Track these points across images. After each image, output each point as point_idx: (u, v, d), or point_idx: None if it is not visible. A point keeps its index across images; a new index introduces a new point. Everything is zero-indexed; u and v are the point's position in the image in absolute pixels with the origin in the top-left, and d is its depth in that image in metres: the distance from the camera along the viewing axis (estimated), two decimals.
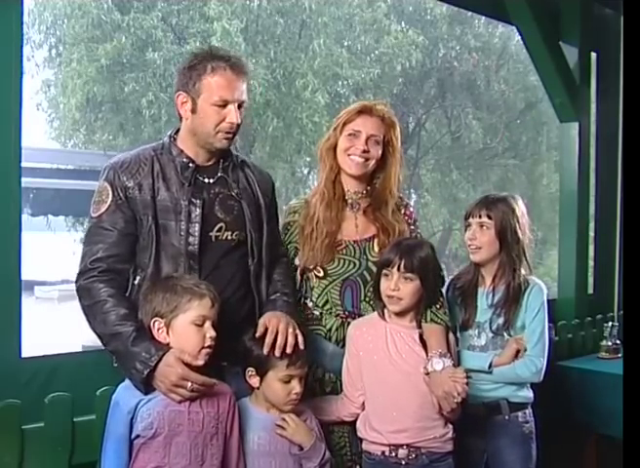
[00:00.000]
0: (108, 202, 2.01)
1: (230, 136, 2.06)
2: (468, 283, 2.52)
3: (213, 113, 2.02)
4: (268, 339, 1.98)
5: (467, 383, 2.10)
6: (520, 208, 2.49)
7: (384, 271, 2.19)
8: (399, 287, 2.16)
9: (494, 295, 2.47)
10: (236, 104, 2.03)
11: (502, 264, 2.46)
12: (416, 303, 2.19)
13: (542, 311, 2.47)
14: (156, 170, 2.05)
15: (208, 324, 1.88)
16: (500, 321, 2.44)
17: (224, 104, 2.02)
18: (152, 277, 2.00)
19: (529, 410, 2.50)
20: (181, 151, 2.08)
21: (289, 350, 1.98)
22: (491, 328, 2.45)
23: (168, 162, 2.07)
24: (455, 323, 2.46)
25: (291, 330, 2.01)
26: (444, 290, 2.52)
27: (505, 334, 2.46)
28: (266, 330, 2.01)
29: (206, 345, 1.88)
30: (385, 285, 2.18)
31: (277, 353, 1.97)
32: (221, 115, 2.02)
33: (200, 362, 1.88)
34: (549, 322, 3.39)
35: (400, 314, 2.20)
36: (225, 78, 2.01)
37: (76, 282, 2.01)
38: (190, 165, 2.07)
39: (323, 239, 2.29)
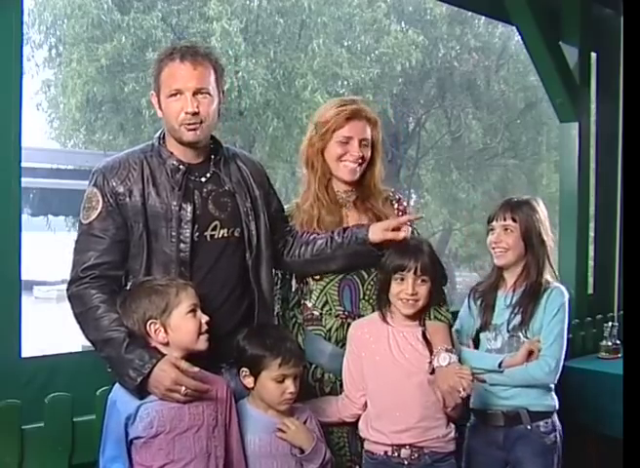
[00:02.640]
0: (99, 208, 1.98)
1: (194, 126, 1.98)
2: (489, 287, 2.51)
3: (171, 105, 1.98)
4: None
5: (473, 380, 2.10)
6: (543, 210, 2.48)
7: (398, 275, 2.17)
8: (416, 290, 2.16)
9: (513, 296, 2.45)
10: (191, 92, 1.96)
11: (527, 266, 2.44)
12: (428, 304, 2.20)
13: (562, 312, 2.43)
14: (146, 174, 2.01)
15: (199, 310, 1.91)
16: (517, 320, 2.41)
17: (178, 94, 1.96)
18: None
19: (552, 419, 2.42)
20: (172, 154, 2.04)
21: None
22: (508, 328, 2.42)
23: (158, 165, 2.03)
24: (474, 327, 2.47)
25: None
26: (466, 296, 2.53)
27: (521, 335, 2.41)
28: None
29: (203, 330, 1.90)
30: (399, 289, 2.17)
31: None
32: (179, 106, 1.97)
33: (202, 346, 1.90)
34: None
35: (412, 316, 2.20)
36: (174, 67, 1.97)
37: (67, 290, 1.98)
38: (181, 167, 2.03)
39: None
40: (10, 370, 2.12)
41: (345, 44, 14.80)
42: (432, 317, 2.22)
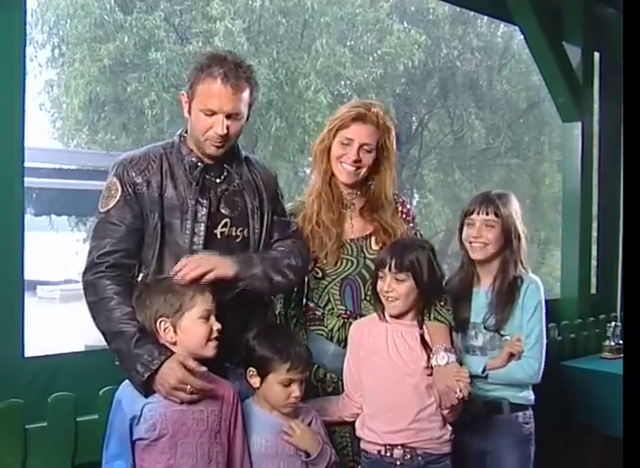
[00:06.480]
0: (117, 197, 2.01)
1: (219, 144, 2.03)
2: (461, 283, 2.48)
3: (201, 119, 2.01)
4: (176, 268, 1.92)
5: (471, 383, 2.10)
6: (517, 204, 2.48)
7: (379, 272, 2.18)
8: (392, 287, 2.15)
9: (492, 294, 2.44)
10: (224, 115, 1.99)
11: (506, 262, 2.42)
12: (413, 304, 2.17)
13: (540, 311, 2.42)
14: (165, 168, 2.05)
15: (212, 317, 1.90)
16: (495, 318, 2.40)
17: (211, 113, 1.99)
18: (154, 275, 2.00)
19: (529, 412, 2.46)
20: (191, 151, 2.08)
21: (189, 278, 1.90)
22: (485, 326, 2.42)
23: (177, 161, 2.07)
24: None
25: (202, 267, 1.92)
26: None
27: (502, 333, 2.40)
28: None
29: (213, 337, 1.89)
30: (380, 285, 2.18)
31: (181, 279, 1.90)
32: (209, 123, 2.00)
33: (209, 353, 1.89)
34: (552, 322, 3.37)
35: (399, 316, 2.20)
36: (214, 87, 1.97)
37: (83, 277, 1.99)
38: (199, 164, 2.07)
39: (332, 243, 2.29)
40: (13, 369, 2.13)
41: (348, 44, 14.82)
42: (432, 318, 2.20)
